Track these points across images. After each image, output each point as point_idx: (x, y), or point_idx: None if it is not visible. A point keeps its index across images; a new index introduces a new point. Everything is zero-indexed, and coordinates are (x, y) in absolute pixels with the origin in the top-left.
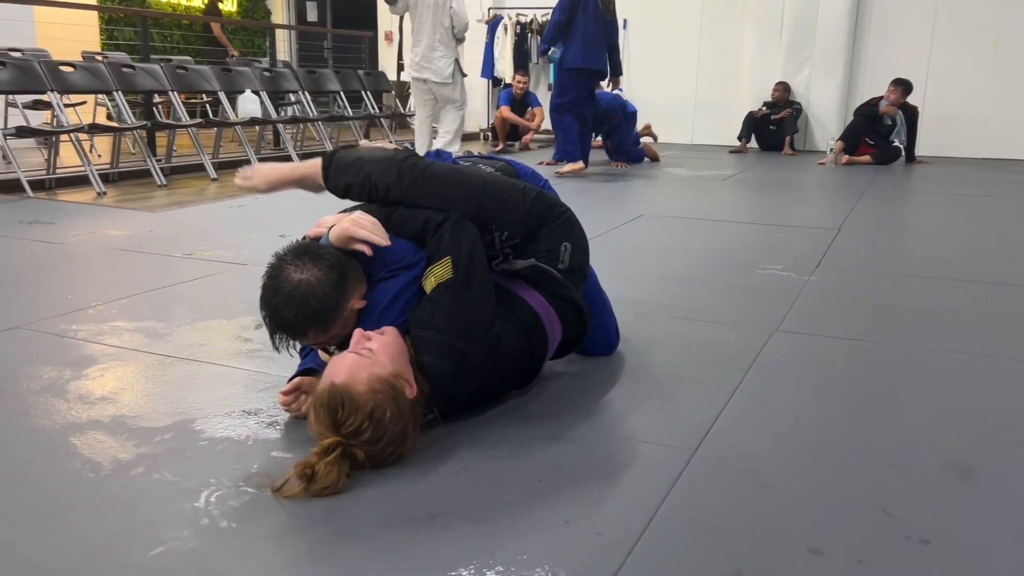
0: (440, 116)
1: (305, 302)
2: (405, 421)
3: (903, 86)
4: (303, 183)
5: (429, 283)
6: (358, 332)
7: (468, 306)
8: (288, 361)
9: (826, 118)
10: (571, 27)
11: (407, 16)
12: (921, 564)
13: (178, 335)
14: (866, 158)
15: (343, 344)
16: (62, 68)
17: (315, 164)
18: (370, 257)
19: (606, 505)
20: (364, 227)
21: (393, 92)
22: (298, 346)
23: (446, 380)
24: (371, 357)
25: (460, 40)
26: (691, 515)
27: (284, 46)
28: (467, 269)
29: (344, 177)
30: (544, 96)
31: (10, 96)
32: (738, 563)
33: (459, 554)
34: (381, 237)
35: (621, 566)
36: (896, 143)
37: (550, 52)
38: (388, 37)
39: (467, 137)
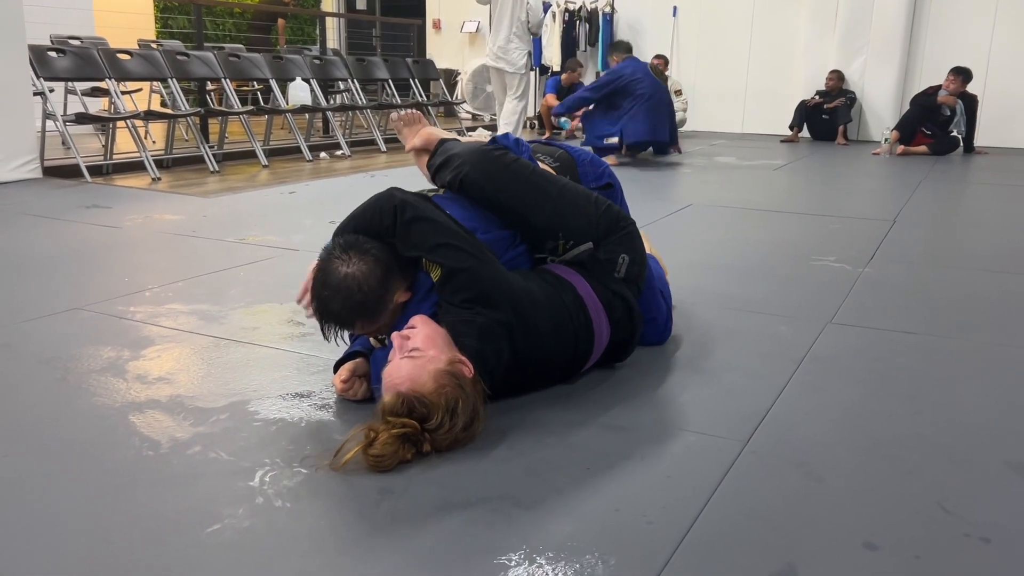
0: (504, 105)
1: (351, 295)
2: (473, 401)
3: (962, 75)
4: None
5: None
6: (396, 336)
7: (468, 287)
8: (339, 346)
9: (881, 107)
10: (627, 102)
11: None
12: (981, 562)
13: (232, 318)
14: (922, 148)
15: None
16: (119, 56)
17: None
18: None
19: (657, 494)
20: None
21: (441, 80)
22: (347, 334)
23: (475, 354)
24: (422, 356)
25: (534, 35)
26: (743, 506)
27: (333, 34)
28: (447, 257)
29: (437, 157)
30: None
31: (70, 83)
32: (791, 556)
33: (509, 539)
34: None
35: (672, 555)
36: (954, 133)
37: (561, 120)
38: (436, 25)
39: None
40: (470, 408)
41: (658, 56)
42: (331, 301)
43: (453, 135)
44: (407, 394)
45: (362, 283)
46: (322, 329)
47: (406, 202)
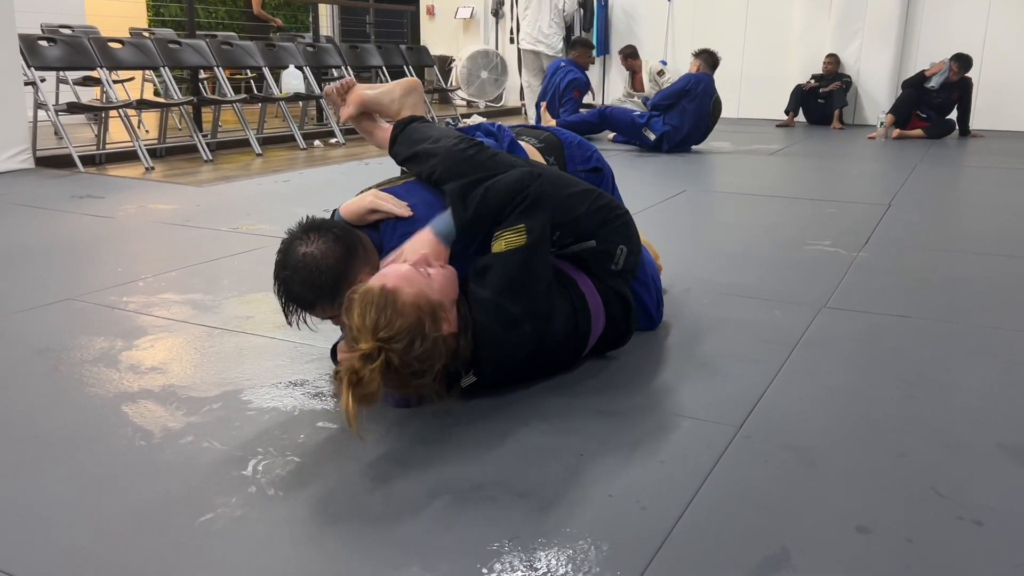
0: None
1: (310, 274)
2: (439, 348)
3: (964, 63)
4: (373, 130)
5: (498, 245)
6: (422, 256)
7: (530, 274)
8: (332, 333)
9: (877, 91)
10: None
11: None
12: (973, 544)
13: (225, 307)
14: (918, 132)
15: None
16: (111, 45)
17: (386, 128)
18: (383, 228)
19: (650, 479)
20: (386, 200)
21: (435, 67)
22: (312, 321)
23: (496, 343)
24: (427, 279)
25: (568, 22)
26: (736, 491)
27: (327, 21)
28: (538, 240)
29: (406, 149)
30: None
31: (61, 72)
32: (784, 540)
33: (502, 525)
34: (401, 209)
35: (664, 540)
36: (948, 116)
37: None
38: (430, 11)
39: (509, 111)
40: (427, 353)
41: (624, 49)
42: (291, 282)
43: (383, 89)
44: (389, 290)
45: (320, 262)
46: (285, 312)
47: (543, 188)
